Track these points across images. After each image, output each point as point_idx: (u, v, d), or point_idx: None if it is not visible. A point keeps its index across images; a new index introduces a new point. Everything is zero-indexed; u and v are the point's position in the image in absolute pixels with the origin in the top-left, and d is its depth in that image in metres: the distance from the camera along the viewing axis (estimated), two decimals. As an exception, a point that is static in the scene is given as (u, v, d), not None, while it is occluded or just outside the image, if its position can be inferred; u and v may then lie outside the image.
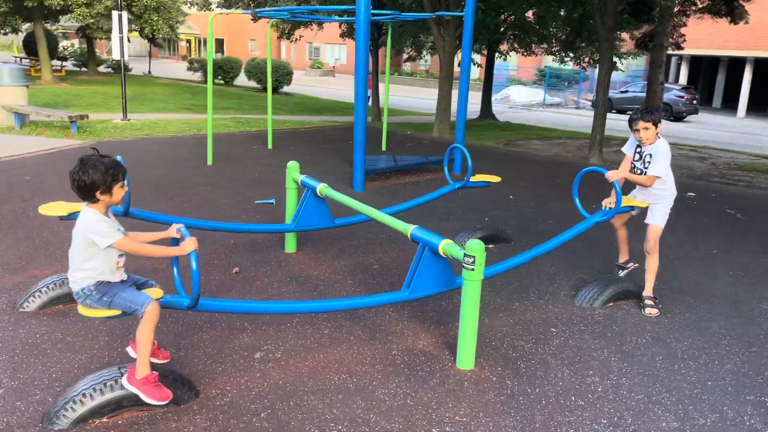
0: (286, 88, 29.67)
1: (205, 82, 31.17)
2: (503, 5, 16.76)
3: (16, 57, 33.60)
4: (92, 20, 22.98)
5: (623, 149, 4.97)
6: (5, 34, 29.58)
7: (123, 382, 3.06)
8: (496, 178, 6.23)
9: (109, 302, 3.09)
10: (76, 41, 47.32)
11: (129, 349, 3.42)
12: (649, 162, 4.67)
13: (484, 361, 3.89)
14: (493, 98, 25.19)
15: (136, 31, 27.38)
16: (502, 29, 19.00)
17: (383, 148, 11.85)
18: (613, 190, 4.65)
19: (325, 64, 50.98)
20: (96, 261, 3.04)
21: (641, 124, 4.57)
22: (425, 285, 4.00)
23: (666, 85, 23.84)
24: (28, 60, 30.99)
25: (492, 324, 4.43)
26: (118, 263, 3.13)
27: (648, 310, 4.77)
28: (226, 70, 31.28)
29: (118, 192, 3.05)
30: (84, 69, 33.54)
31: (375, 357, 3.86)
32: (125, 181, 3.10)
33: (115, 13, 14.12)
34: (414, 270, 3.97)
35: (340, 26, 20.20)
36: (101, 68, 35.16)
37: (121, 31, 14.12)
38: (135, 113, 15.97)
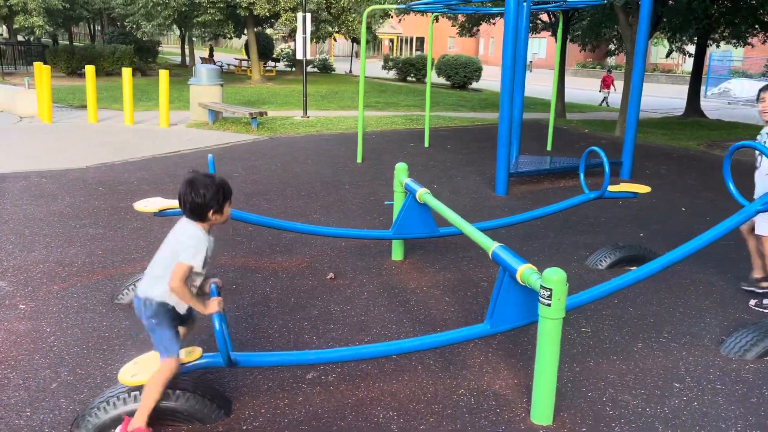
0: (475, 85, 29.21)
1: (400, 80, 32.08)
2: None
3: (239, 59, 37.30)
4: (296, 24, 24.56)
5: None
6: (230, 38, 32.92)
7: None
8: (644, 188, 5.28)
9: (153, 326, 2.88)
10: (292, 44, 51.39)
11: None
12: None
13: (568, 416, 3.16)
14: (709, 93, 22.31)
15: (336, 32, 28.76)
16: (713, 15, 16.61)
17: (548, 147, 10.91)
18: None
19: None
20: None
21: (763, 95, 4.26)
22: (510, 316, 3.37)
23: None
24: (246, 61, 34.26)
25: (597, 368, 3.65)
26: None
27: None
28: (418, 67, 31.69)
29: (228, 210, 2.93)
30: (293, 69, 36.24)
31: (437, 394, 3.34)
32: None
33: (299, 15, 14.81)
34: (495, 298, 3.36)
35: (532, 19, 19.24)
36: (309, 68, 37.70)
37: (304, 32, 14.78)
38: (319, 110, 16.70)
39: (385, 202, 7.13)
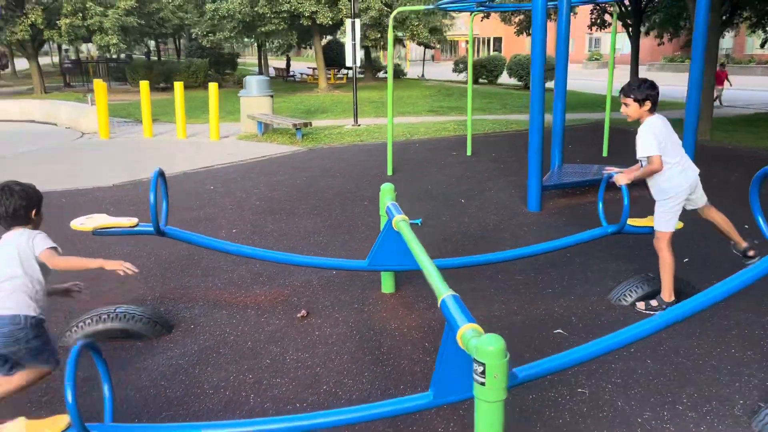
0: (548, 84, 27.86)
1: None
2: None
3: (312, 68, 37.63)
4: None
5: None
6: (304, 47, 33.18)
7: None
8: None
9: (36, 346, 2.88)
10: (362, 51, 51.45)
11: None
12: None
13: None
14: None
15: (402, 38, 28.31)
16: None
17: (604, 153, 9.90)
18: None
19: (603, 56, 47.12)
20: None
21: (622, 99, 4.20)
22: (458, 385, 2.70)
23: None
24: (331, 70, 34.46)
25: (581, 447, 2.91)
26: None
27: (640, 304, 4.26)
28: (489, 68, 30.68)
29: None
30: (363, 76, 36.13)
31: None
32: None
33: (347, 21, 14.41)
34: (440, 362, 2.71)
35: (600, 14, 17.98)
36: (381, 74, 37.54)
37: (353, 39, 14.36)
38: (377, 117, 16.25)
39: (400, 222, 6.52)
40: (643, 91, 4.09)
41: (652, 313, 4.27)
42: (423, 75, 37.81)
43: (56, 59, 40.68)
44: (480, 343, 2.29)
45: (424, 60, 40.90)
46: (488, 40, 59.48)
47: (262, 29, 23.15)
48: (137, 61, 32.11)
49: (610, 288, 4.69)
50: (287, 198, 7.61)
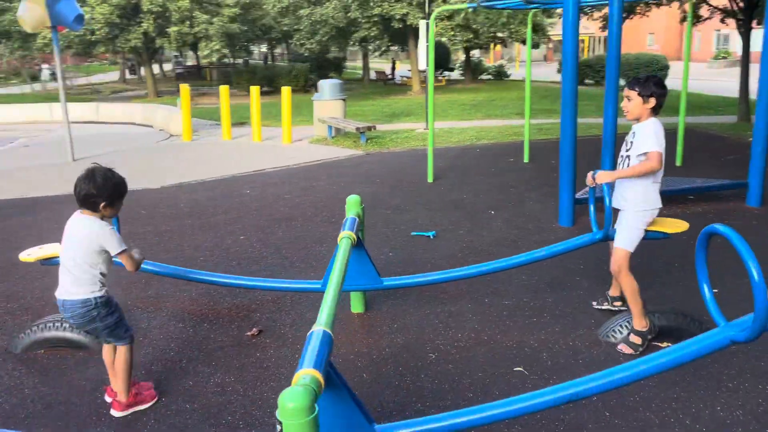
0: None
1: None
2: None
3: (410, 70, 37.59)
4: (452, 33, 23.87)
5: None
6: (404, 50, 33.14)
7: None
8: (678, 226, 3.79)
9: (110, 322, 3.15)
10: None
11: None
12: (632, 144, 3.67)
13: None
14: None
15: (506, 38, 27.47)
16: None
17: (678, 162, 8.88)
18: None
19: (732, 53, 43.23)
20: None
21: (625, 92, 3.71)
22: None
23: None
24: (420, 73, 34.30)
25: None
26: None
27: (622, 346, 3.69)
28: (596, 69, 29.05)
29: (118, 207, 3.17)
30: (464, 78, 35.56)
31: None
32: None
33: (422, 22, 14.07)
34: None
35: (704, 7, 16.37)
36: (484, 75, 36.85)
37: (426, 40, 14.00)
38: (456, 121, 15.81)
39: (412, 233, 6.16)
40: (650, 87, 3.62)
41: (634, 354, 3.67)
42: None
43: (185, 63, 43.32)
44: (281, 398, 1.93)
45: (529, 61, 39.44)
46: (602, 39, 56.65)
47: (356, 35, 23.32)
48: (242, 66, 33.50)
49: (607, 319, 4.08)
50: (313, 204, 7.44)
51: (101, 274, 3.07)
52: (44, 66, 36.90)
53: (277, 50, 51.45)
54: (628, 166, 3.71)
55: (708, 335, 2.45)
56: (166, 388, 3.46)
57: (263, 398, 3.34)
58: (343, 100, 14.17)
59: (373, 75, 36.99)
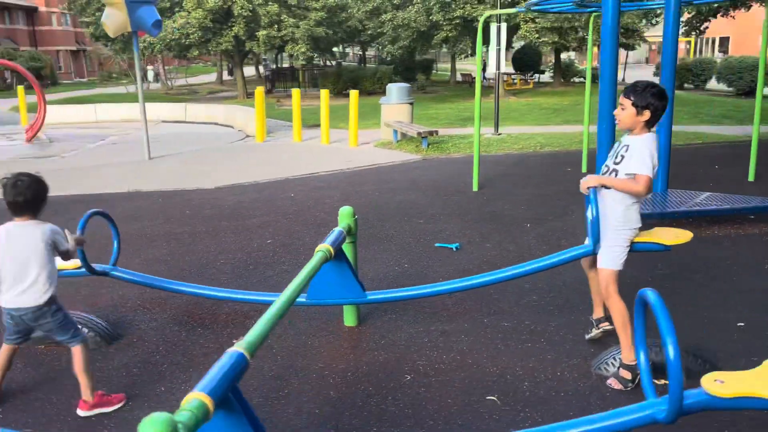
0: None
1: (677, 88, 27.92)
2: None
3: (506, 73, 36.94)
4: (536, 36, 23.23)
5: None
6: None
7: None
8: (681, 238, 3.47)
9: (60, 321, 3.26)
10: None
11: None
12: (622, 158, 3.37)
13: None
14: None
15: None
16: None
17: (750, 177, 8.14)
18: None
19: None
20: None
21: (621, 99, 3.37)
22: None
23: None
24: (513, 75, 33.72)
25: None
26: None
27: (611, 381, 3.40)
28: (696, 72, 27.35)
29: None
30: (552, 80, 34.56)
31: None
32: None
33: (493, 26, 13.75)
34: None
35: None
36: (576, 78, 35.69)
37: (498, 44, 13.67)
38: (531, 126, 15.38)
39: (436, 244, 6.00)
40: (646, 97, 3.28)
41: (624, 389, 3.38)
42: (623, 79, 34.99)
43: (273, 66, 44.70)
44: (141, 424, 1.87)
45: (626, 63, 37.80)
46: (713, 41, 53.25)
47: (437, 37, 23.17)
48: (334, 68, 34.10)
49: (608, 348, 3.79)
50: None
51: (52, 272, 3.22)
52: (149, 67, 39.19)
53: (370, 52, 52.16)
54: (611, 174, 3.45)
55: (633, 408, 2.21)
56: (138, 392, 3.53)
57: (223, 409, 3.33)
58: (411, 103, 14.08)
59: (458, 77, 36.67)
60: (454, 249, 5.82)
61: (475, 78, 35.40)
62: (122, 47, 30.15)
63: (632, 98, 3.30)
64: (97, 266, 4.15)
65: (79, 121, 20.96)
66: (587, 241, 3.64)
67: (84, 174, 11.00)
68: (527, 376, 3.59)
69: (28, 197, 3.13)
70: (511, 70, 39.34)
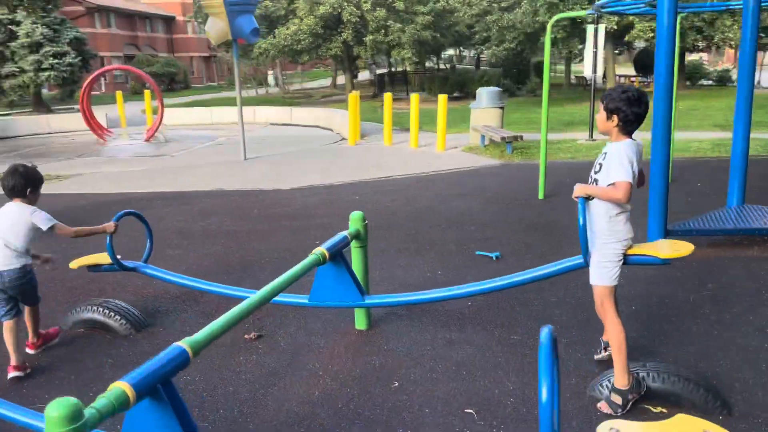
0: None
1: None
2: None
3: (624, 75, 35.28)
4: (651, 34, 21.96)
5: None
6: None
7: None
8: (681, 251, 3.23)
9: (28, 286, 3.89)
10: (704, 55, 45.81)
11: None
12: (600, 166, 3.19)
13: None
14: None
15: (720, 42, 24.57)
16: None
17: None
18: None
19: None
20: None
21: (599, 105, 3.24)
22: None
23: None
24: (633, 77, 32.22)
25: None
26: None
27: (601, 404, 3.22)
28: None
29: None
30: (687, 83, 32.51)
31: None
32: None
33: (589, 27, 13.19)
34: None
35: None
36: (704, 81, 33.55)
37: (594, 46, 13.11)
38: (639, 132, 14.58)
39: (476, 252, 5.90)
40: (615, 101, 3.12)
41: (614, 415, 3.18)
42: (759, 82, 32.24)
43: (383, 69, 45.39)
44: (49, 406, 2.01)
45: (762, 64, 34.75)
46: None
47: (541, 39, 22.55)
48: (441, 72, 34.14)
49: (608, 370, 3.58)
50: (405, 214, 7.46)
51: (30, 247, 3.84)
52: (269, 72, 41.21)
53: (484, 55, 51.60)
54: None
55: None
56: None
57: (212, 401, 3.51)
58: (501, 108, 13.83)
59: (574, 79, 35.43)
60: (494, 258, 5.69)
61: (590, 80, 33.82)
62: (241, 54, 31.90)
63: (604, 103, 3.15)
64: (128, 263, 4.49)
65: (197, 123, 22.48)
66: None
67: (182, 172, 11.83)
68: (516, 391, 3.47)
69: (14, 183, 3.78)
70: (631, 72, 37.44)
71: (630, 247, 3.28)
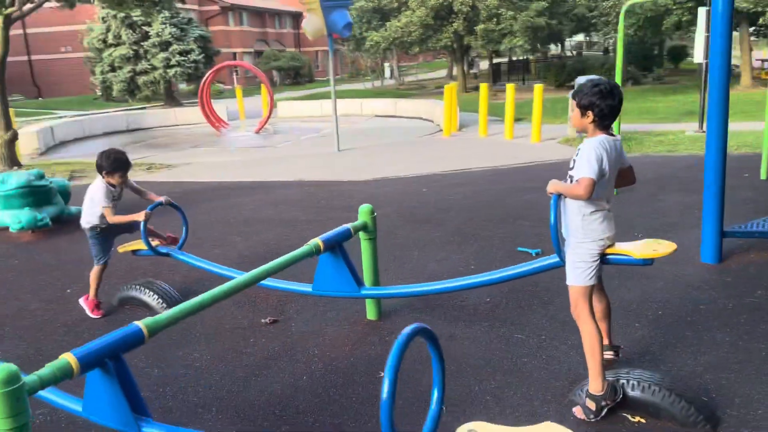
0: None
1: None
2: None
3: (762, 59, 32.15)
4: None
5: None
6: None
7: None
8: (660, 250, 3.05)
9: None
10: None
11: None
12: (574, 162, 3.07)
13: None
14: None
15: None
16: None
17: None
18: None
19: None
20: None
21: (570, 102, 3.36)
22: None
23: None
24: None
25: None
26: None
27: (576, 410, 3.11)
28: None
29: (118, 178, 4.53)
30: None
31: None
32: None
33: (701, 10, 12.18)
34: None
35: None
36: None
37: (707, 30, 12.07)
38: (753, 122, 13.41)
39: (518, 248, 5.75)
40: (588, 96, 2.96)
41: (587, 420, 3.05)
42: None
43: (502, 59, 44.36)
44: None
45: None
46: None
47: (666, 21, 21.09)
48: (555, 60, 32.91)
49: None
50: (464, 207, 7.38)
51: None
52: (386, 64, 41.78)
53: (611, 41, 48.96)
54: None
55: None
56: (150, 355, 4.06)
57: (208, 377, 3.75)
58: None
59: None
60: (533, 254, 5.52)
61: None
62: (355, 47, 32.61)
63: (576, 98, 2.98)
64: (162, 248, 4.87)
65: (308, 115, 23.33)
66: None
67: (278, 162, 12.42)
68: (497, 391, 3.40)
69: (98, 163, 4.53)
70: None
71: (608, 246, 3.11)
